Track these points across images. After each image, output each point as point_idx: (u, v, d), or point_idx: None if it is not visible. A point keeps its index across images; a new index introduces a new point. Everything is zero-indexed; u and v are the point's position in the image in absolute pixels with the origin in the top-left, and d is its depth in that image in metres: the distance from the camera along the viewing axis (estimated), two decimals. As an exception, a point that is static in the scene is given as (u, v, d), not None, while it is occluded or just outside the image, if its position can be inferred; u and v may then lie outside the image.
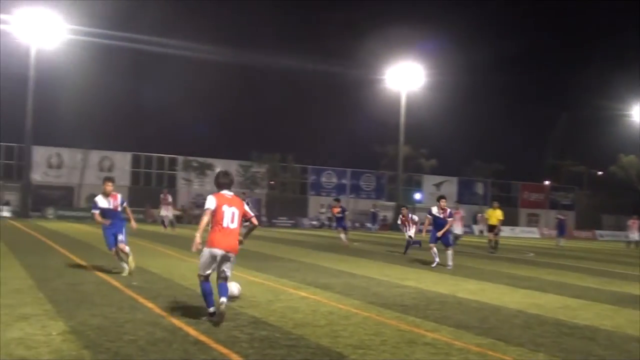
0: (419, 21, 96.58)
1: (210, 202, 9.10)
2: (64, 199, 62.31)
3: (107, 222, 13.91)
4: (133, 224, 15.07)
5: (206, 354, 7.33)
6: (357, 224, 63.85)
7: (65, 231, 32.95)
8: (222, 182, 9.49)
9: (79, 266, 15.70)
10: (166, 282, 13.38)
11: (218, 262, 9.00)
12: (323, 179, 74.02)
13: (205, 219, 9.03)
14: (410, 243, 24.44)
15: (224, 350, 7.49)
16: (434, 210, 19.74)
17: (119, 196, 14.24)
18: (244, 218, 9.57)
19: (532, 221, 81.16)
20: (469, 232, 51.64)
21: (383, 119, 69.39)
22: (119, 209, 14.12)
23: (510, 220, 58.88)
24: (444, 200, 19.96)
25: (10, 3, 49.87)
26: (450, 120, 76.19)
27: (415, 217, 25.20)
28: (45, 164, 62.64)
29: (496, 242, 30.16)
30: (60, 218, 52.72)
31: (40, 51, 52.23)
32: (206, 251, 9.02)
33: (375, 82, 66.51)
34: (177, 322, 8.97)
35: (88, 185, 60.83)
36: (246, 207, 9.59)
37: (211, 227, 9.10)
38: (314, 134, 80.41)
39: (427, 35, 79.42)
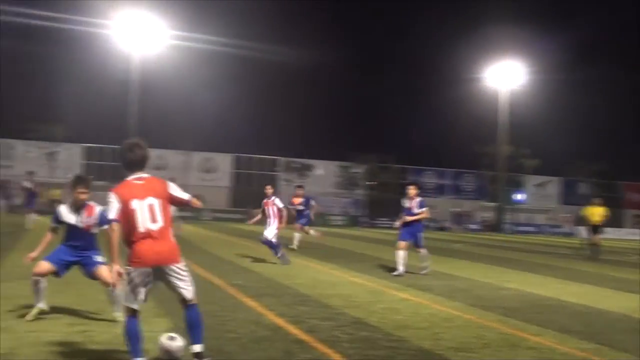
0: (520, 17, 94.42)
1: (113, 206, 6.23)
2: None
3: None
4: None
5: (308, 353, 7.37)
6: (450, 226, 63.13)
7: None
8: (130, 158, 6.56)
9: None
10: (268, 281, 13.53)
11: (150, 284, 6.36)
12: (422, 180, 73.46)
13: (115, 236, 6.20)
14: None
15: (326, 350, 7.51)
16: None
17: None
18: (178, 206, 6.94)
19: (638, 223, 78.30)
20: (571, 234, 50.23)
21: (483, 118, 68.34)
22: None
23: (615, 221, 57.03)
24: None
25: (112, 8, 51.47)
26: (554, 119, 74.20)
27: None
28: (150, 166, 64.31)
29: (596, 246, 26.08)
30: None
31: (143, 55, 53.68)
32: (128, 273, 6.23)
33: (474, 80, 65.57)
34: (279, 321, 9.06)
35: (191, 187, 62.16)
36: (173, 190, 6.56)
37: (124, 238, 6.27)
38: (413, 134, 79.83)
39: (528, 32, 77.47)
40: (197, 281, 12.72)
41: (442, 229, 59.92)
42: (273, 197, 17.52)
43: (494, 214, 67.28)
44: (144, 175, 6.46)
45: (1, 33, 51.23)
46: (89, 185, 8.60)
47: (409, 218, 15.69)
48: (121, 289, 6.35)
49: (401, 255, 15.41)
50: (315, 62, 66.81)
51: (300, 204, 23.45)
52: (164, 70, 57.46)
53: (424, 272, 15.88)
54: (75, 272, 9.01)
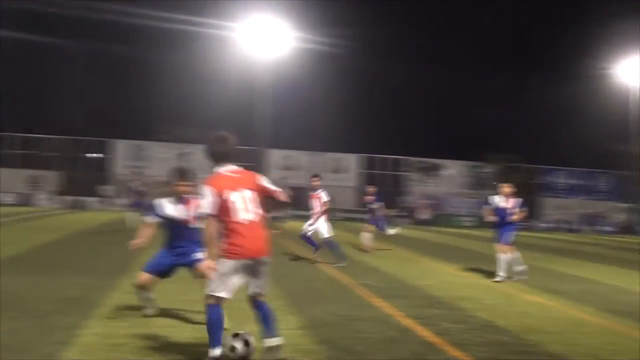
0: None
1: (207, 200, 6.25)
2: (297, 200, 64.55)
3: None
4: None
5: (437, 356, 7.38)
6: (581, 227, 61.08)
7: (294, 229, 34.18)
8: (222, 150, 6.62)
9: (312, 264, 16.29)
10: (397, 282, 13.56)
11: (243, 277, 6.37)
12: (554, 180, 71.40)
13: (210, 230, 6.29)
14: None
15: (456, 353, 7.50)
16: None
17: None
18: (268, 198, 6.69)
19: None
20: None
21: (613, 115, 65.66)
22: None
23: None
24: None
25: (241, 11, 52.70)
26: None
27: None
28: (280, 166, 65.52)
29: None
30: (293, 218, 54.85)
31: (271, 56, 54.63)
32: (223, 262, 6.27)
33: (602, 76, 63.13)
34: (408, 322, 9.09)
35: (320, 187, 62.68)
36: (264, 182, 6.62)
37: (220, 229, 6.31)
38: (540, 132, 77.63)
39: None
40: (326, 280, 13.01)
41: (572, 230, 58.15)
42: (319, 190, 16.87)
43: (628, 215, 64.61)
44: (236, 167, 6.51)
45: (136, 39, 53.40)
46: (190, 178, 8.36)
47: (512, 218, 14.61)
48: (213, 278, 6.28)
49: (504, 259, 14.48)
50: (441, 62, 66.03)
51: (371, 202, 22.07)
52: (292, 72, 58.31)
53: (520, 274, 14.88)
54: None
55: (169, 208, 8.24)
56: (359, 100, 73.39)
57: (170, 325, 8.26)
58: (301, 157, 65.08)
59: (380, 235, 21.91)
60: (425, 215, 56.14)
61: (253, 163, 61.55)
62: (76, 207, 50.47)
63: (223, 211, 6.24)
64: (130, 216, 25.89)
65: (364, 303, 10.60)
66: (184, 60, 67.79)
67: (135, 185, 27.76)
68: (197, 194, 6.81)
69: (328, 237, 16.38)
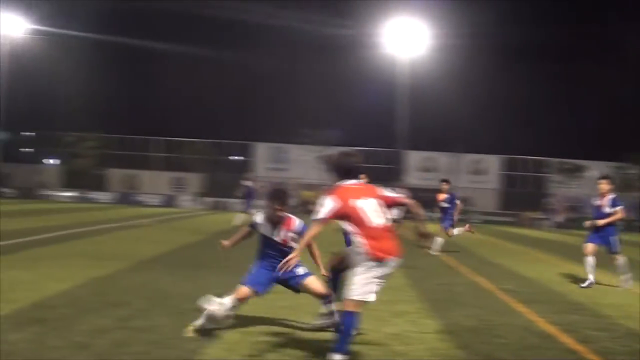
0: None
1: (326, 207, 6.57)
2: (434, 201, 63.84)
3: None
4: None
5: (580, 364, 7.12)
6: None
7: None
8: (351, 165, 6.93)
9: (450, 267, 16.08)
10: (540, 287, 13.17)
11: (382, 277, 6.59)
12: None
13: (311, 234, 6.77)
14: None
15: (600, 362, 7.21)
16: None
17: None
18: (394, 206, 7.03)
19: None
20: None
21: None
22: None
23: None
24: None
25: (380, 14, 52.86)
26: None
27: None
28: (419, 168, 65.15)
29: None
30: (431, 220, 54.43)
31: (409, 58, 54.43)
32: (364, 264, 6.51)
33: None
34: (550, 328, 8.81)
35: (460, 189, 61.98)
36: (385, 192, 6.94)
37: (356, 234, 6.54)
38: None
39: None
40: (465, 284, 12.77)
41: None
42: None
43: None
44: (359, 181, 6.88)
45: (277, 44, 54.54)
46: (285, 202, 7.97)
47: (600, 222, 13.35)
48: (355, 283, 6.44)
49: (590, 262, 13.32)
50: (585, 60, 63.75)
51: (444, 201, 20.32)
52: (431, 72, 57.87)
53: (626, 284, 13.44)
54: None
55: (265, 228, 7.96)
56: (499, 100, 71.84)
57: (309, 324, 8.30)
58: (440, 159, 64.46)
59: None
60: (564, 217, 54.32)
61: (392, 165, 61.67)
62: (218, 208, 51.98)
63: (355, 217, 6.54)
64: (240, 216, 25.90)
65: (504, 308, 10.36)
66: (324, 63, 68.62)
67: (250, 185, 27.91)
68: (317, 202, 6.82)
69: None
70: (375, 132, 61.66)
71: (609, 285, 13.74)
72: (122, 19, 68.07)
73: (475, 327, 8.70)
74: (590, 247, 13.41)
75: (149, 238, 17.60)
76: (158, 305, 9.09)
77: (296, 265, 7.49)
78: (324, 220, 6.50)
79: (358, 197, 6.62)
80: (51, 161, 67.28)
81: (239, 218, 25.57)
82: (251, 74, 72.95)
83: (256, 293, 7.85)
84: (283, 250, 7.76)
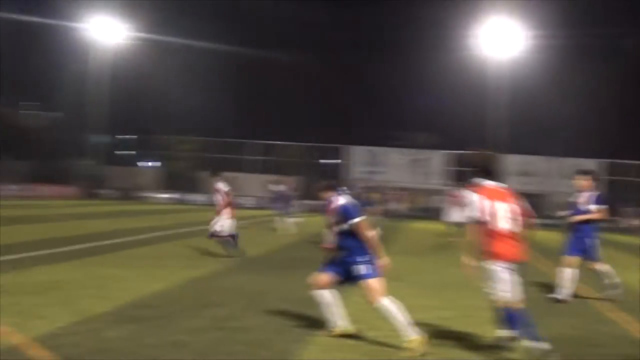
0: None
1: (474, 206, 6.96)
2: (533, 207, 62.45)
3: None
4: None
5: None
6: None
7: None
8: (495, 168, 7.28)
9: (546, 274, 15.68)
10: (633, 294, 12.66)
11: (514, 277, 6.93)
12: None
13: (471, 233, 7.08)
14: None
15: None
16: None
17: None
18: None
19: None
20: None
21: None
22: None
23: None
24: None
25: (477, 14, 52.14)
26: None
27: None
28: (517, 172, 63.84)
29: None
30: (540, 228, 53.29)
31: (505, 58, 53.47)
32: (497, 268, 6.87)
33: None
34: (651, 339, 8.47)
35: (560, 194, 60.44)
36: (521, 201, 7.17)
37: (485, 235, 6.89)
38: None
39: None
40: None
41: None
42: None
43: None
44: (501, 184, 7.17)
45: (372, 47, 54.44)
46: (323, 189, 7.90)
47: (577, 218, 11.27)
48: (500, 286, 6.86)
49: (567, 275, 11.16)
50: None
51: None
52: (525, 74, 56.71)
53: (613, 291, 11.49)
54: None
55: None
56: (600, 102, 69.78)
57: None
58: (539, 163, 63.03)
59: None
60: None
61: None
62: (312, 211, 52.25)
63: (490, 218, 6.92)
64: (279, 219, 25.72)
65: (603, 317, 10.01)
66: (419, 65, 68.26)
67: (282, 189, 27.71)
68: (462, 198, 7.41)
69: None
70: (470, 135, 60.82)
71: None
72: (219, 25, 69.31)
73: (574, 336, 8.46)
74: (570, 260, 11.22)
75: (244, 240, 17.77)
76: (254, 306, 9.18)
77: (360, 258, 7.42)
78: (477, 219, 6.91)
79: (501, 200, 7.00)
80: (150, 164, 69.06)
81: (278, 223, 25.53)
82: (346, 77, 73.23)
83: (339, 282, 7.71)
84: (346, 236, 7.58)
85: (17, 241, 14.71)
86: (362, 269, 7.42)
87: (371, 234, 7.51)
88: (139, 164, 69.81)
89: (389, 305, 7.26)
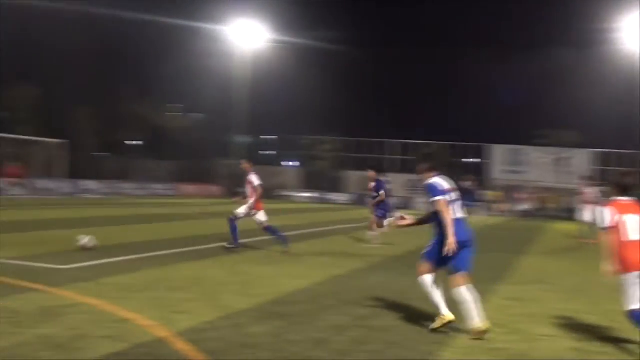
0: None
1: (606, 217, 7.13)
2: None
3: None
4: None
5: None
6: None
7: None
8: (628, 184, 7.43)
9: None
10: None
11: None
12: None
13: (606, 242, 7.13)
14: None
15: None
16: None
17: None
18: None
19: None
20: None
21: None
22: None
23: None
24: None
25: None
26: None
27: None
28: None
29: None
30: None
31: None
32: (625, 278, 6.96)
33: None
34: None
35: None
36: None
37: (617, 246, 7.01)
38: None
39: None
40: None
41: None
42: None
43: None
44: (631, 198, 7.31)
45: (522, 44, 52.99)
46: (425, 170, 8.02)
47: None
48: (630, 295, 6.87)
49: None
50: None
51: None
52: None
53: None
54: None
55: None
56: None
57: (549, 334, 7.93)
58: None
59: None
60: None
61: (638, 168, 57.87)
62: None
63: (620, 230, 7.07)
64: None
65: None
66: (560, 61, 66.11)
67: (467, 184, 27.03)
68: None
69: None
70: (616, 133, 58.20)
71: None
72: (359, 25, 69.62)
73: None
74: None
75: (384, 239, 17.65)
76: (395, 306, 9.05)
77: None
78: (609, 229, 7.08)
79: (626, 213, 7.17)
80: (291, 163, 70.20)
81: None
82: (489, 73, 71.91)
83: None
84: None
85: (161, 238, 15.16)
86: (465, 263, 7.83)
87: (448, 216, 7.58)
88: (284, 163, 71.03)
89: (464, 292, 7.56)
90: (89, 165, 50.00)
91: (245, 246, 15.68)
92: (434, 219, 7.80)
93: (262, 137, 74.72)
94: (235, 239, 15.03)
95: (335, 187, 58.38)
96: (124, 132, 62.54)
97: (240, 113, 59.52)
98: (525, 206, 48.33)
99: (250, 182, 15.37)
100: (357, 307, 8.87)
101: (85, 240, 13.66)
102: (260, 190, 15.23)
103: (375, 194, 17.54)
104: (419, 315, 8.39)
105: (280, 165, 69.94)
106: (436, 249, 7.74)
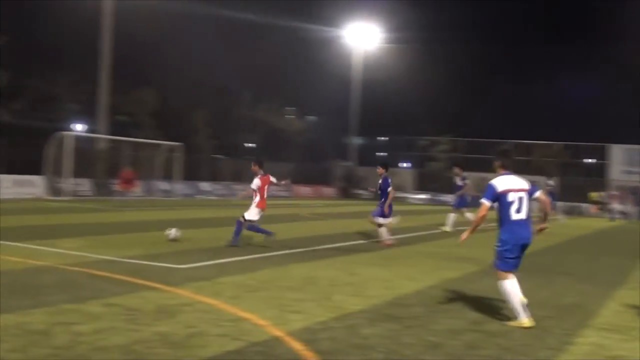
0: None
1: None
2: None
3: None
4: None
5: None
6: None
7: None
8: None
9: None
10: None
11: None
12: None
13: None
14: None
15: None
16: None
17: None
18: None
19: None
20: None
21: None
22: None
23: None
24: None
25: None
26: None
27: None
28: None
29: None
30: None
31: None
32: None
33: None
34: None
35: None
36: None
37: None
38: None
39: None
40: None
41: None
42: None
43: None
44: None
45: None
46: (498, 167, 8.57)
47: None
48: None
49: None
50: None
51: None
52: None
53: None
54: None
55: None
56: None
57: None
58: None
59: None
60: None
61: None
62: (573, 213, 50.03)
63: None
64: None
65: None
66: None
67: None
68: None
69: None
70: None
71: None
72: (475, 26, 68.71)
73: None
74: None
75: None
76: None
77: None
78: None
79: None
80: (404, 164, 69.79)
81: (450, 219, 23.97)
82: (608, 71, 69.61)
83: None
84: None
85: (275, 239, 15.30)
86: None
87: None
88: (398, 164, 70.65)
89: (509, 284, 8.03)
90: (205, 167, 51.19)
91: (358, 248, 15.71)
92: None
93: (380, 138, 74.45)
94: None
95: (449, 188, 57.73)
96: (240, 135, 63.75)
97: (354, 114, 59.72)
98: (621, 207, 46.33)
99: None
100: (471, 311, 8.77)
101: (172, 233, 15.14)
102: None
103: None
104: (536, 320, 8.17)
105: (394, 166, 69.57)
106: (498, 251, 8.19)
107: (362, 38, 57.43)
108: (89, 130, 47.52)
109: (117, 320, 7.23)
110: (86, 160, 35.98)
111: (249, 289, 9.54)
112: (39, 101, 53.36)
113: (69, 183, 33.93)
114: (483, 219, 8.13)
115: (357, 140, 63.38)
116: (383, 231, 16.87)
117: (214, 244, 14.98)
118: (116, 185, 32.99)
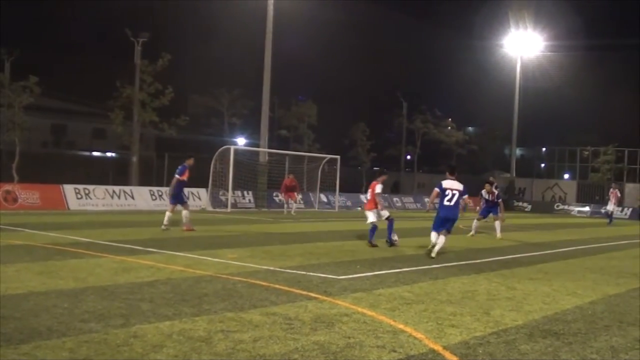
0: None
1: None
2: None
3: None
4: None
5: None
6: None
7: None
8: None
9: None
10: None
11: None
12: None
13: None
14: None
15: None
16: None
17: None
18: None
19: None
20: None
21: None
22: None
23: None
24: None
25: None
26: None
27: None
28: None
29: None
30: None
31: None
32: None
33: None
34: None
35: None
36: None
37: None
38: None
39: None
40: None
41: None
42: None
43: None
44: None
45: None
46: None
47: None
48: None
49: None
50: None
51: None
52: None
53: None
54: None
55: None
56: None
57: None
58: None
59: None
60: None
61: None
62: None
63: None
64: None
65: None
66: None
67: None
68: None
69: None
70: None
71: None
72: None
73: None
74: None
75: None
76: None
77: None
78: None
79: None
80: (566, 175, 67.49)
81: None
82: None
83: None
84: None
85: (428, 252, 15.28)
86: None
87: None
88: (560, 176, 68.38)
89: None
90: (362, 179, 51.65)
91: (518, 261, 15.46)
92: None
93: (535, 148, 72.34)
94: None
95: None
96: (397, 147, 63.88)
97: (514, 125, 58.47)
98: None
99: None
100: (635, 329, 8.45)
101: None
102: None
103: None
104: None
105: (555, 177, 67.34)
106: None
107: (523, 46, 56.11)
108: (251, 144, 49.11)
109: (276, 329, 7.49)
110: (248, 173, 37.21)
111: (406, 301, 9.62)
112: (203, 116, 55.82)
113: (231, 195, 35.22)
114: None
115: (519, 151, 61.93)
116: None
117: (371, 255, 15.17)
118: (279, 194, 33.96)
